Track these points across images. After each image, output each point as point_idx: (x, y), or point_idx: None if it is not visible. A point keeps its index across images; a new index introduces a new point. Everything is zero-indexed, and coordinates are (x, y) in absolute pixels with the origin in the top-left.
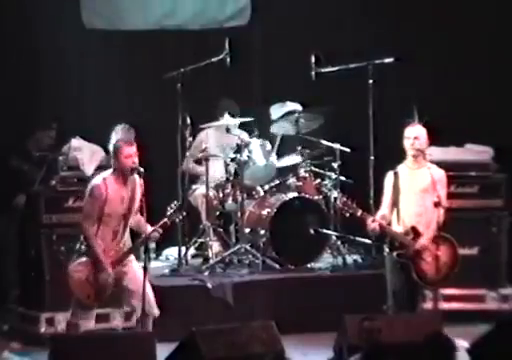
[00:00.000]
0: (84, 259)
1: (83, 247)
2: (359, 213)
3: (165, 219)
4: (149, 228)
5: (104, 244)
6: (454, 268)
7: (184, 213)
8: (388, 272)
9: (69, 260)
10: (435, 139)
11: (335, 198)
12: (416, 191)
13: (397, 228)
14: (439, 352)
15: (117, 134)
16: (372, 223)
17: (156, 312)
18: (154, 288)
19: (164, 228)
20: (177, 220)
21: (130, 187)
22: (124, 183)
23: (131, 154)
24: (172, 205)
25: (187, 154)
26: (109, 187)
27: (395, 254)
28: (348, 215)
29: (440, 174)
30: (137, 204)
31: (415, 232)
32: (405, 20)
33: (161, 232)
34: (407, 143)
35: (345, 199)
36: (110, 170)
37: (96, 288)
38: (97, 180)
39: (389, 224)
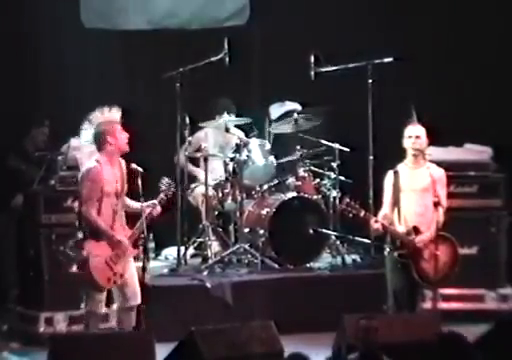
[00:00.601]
0: (100, 242)
1: (86, 233)
2: (362, 214)
3: (161, 195)
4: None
5: (106, 224)
6: (454, 267)
7: (174, 188)
8: (388, 272)
9: (69, 259)
10: (434, 139)
11: (334, 198)
12: (417, 191)
13: (399, 228)
14: (455, 352)
15: (102, 114)
16: (375, 223)
17: (138, 301)
18: (153, 288)
19: (162, 204)
20: (171, 193)
21: (118, 167)
22: (113, 164)
23: (126, 136)
24: (163, 181)
25: (182, 147)
26: (103, 168)
27: (396, 254)
28: (351, 216)
29: (440, 174)
30: (125, 184)
31: (417, 232)
32: (404, 20)
33: (159, 208)
34: (408, 142)
35: (348, 200)
36: (99, 153)
37: (116, 268)
38: (91, 163)
39: (391, 223)
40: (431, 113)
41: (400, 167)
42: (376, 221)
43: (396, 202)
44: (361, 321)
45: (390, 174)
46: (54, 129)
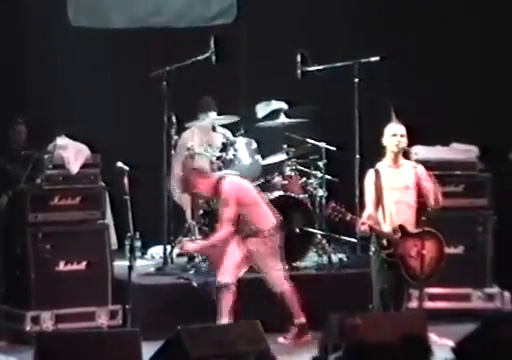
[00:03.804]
0: None
1: None
2: (348, 217)
3: None
4: None
5: None
6: (441, 262)
7: None
8: (375, 271)
9: None
10: (421, 138)
11: (320, 197)
12: (399, 189)
13: (384, 227)
14: (414, 354)
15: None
16: (362, 226)
17: None
18: (140, 286)
19: None
20: None
21: None
22: None
23: None
24: None
25: (173, 153)
26: None
27: (385, 254)
28: (337, 220)
29: (423, 170)
30: None
31: (403, 230)
32: (392, 19)
33: None
34: (393, 140)
35: (334, 204)
36: None
37: None
38: None
39: (377, 223)
40: (418, 112)
41: (380, 166)
42: (363, 223)
43: (379, 201)
44: (343, 319)
45: (371, 173)
46: (40, 128)
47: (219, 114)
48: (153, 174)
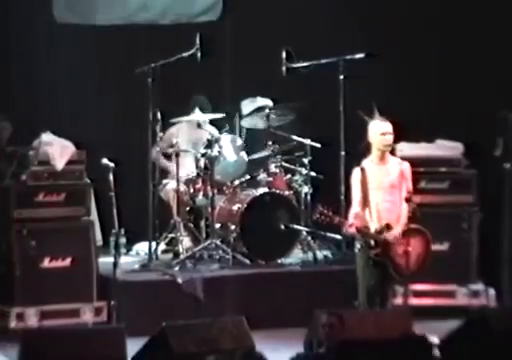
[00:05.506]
0: None
1: None
2: (336, 220)
3: None
4: None
5: None
6: (428, 258)
7: None
8: (360, 268)
9: None
10: (406, 135)
11: (305, 193)
12: (384, 187)
13: (372, 225)
14: (414, 351)
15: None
16: (350, 228)
17: None
18: (125, 283)
19: None
20: None
21: None
22: None
23: None
24: None
25: (156, 147)
26: None
27: (373, 253)
28: (325, 224)
29: (408, 168)
30: None
31: (389, 229)
32: (377, 16)
33: None
34: (381, 138)
35: (321, 208)
36: None
37: None
38: None
39: (364, 221)
40: (403, 109)
41: (366, 163)
42: (351, 225)
43: (365, 199)
44: (321, 317)
45: (357, 171)
46: (26, 124)
47: (204, 112)
48: (138, 171)
